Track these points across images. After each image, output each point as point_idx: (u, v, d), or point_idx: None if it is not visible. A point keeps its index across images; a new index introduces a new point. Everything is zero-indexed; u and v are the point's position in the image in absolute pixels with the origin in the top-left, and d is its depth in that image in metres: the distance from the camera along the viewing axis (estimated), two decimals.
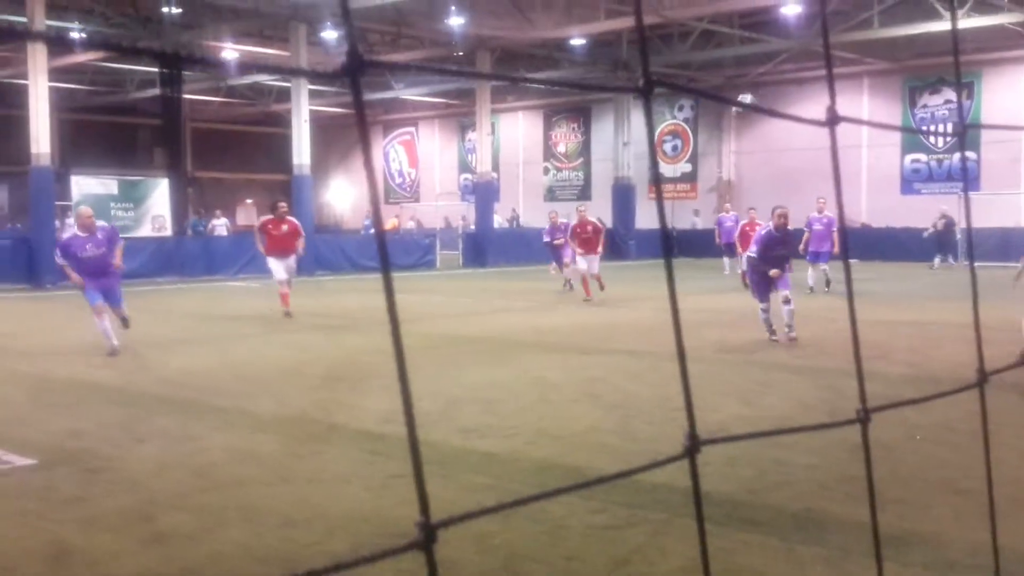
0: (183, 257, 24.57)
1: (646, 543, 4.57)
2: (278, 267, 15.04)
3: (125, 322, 11.53)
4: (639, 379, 9.06)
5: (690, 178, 38.92)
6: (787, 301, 11.43)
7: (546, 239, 21.12)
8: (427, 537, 0.87)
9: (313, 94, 30.15)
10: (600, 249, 18.10)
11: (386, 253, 0.91)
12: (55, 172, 24.22)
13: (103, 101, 37.37)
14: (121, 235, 13.20)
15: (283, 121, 31.04)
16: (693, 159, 39.03)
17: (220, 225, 32.16)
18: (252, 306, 16.82)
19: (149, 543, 4.73)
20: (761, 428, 6.87)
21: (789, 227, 11.70)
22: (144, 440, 6.79)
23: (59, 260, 11.37)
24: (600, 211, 38.07)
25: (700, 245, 30.58)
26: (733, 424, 7.02)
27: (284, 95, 30.76)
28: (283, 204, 15.77)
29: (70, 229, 27.09)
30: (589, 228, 18.34)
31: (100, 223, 11.95)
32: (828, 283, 18.30)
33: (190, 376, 9.44)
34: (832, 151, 1.40)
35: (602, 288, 17.71)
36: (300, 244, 15.34)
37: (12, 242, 23.49)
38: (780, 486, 5.53)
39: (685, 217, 36.46)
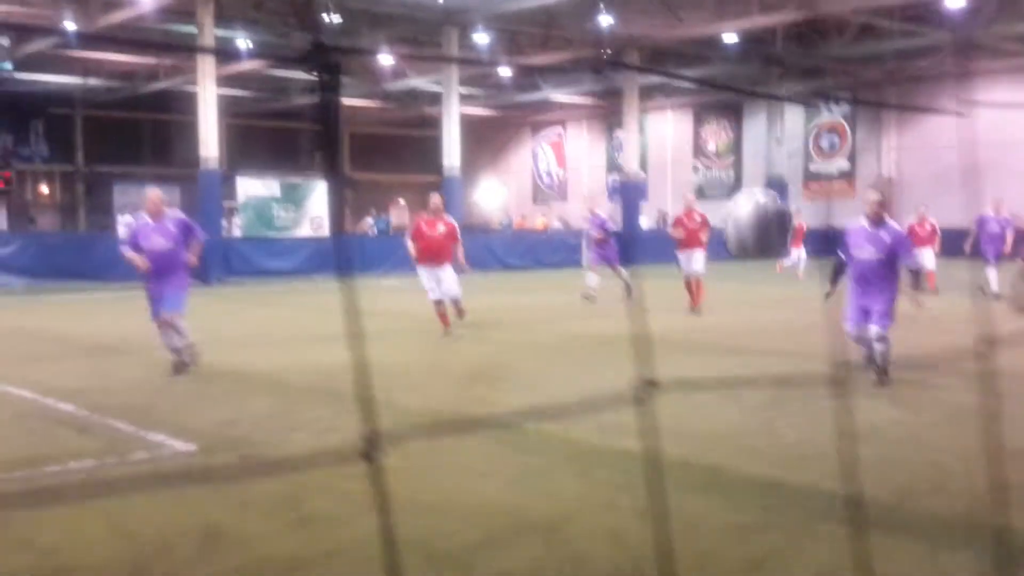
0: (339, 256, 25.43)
1: (784, 545, 4.50)
2: (430, 281, 12.39)
3: (178, 332, 9.50)
4: (786, 381, 8.86)
5: (848, 175, 37.70)
6: (881, 339, 8.39)
7: (597, 231, 17.44)
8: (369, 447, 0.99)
9: (464, 98, 30.73)
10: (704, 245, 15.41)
11: (347, 256, 0.96)
12: (222, 175, 25.42)
13: (267, 107, 38.97)
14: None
15: (435, 124, 31.65)
16: (851, 156, 37.80)
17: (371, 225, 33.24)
18: (399, 302, 17.26)
19: (296, 526, 4.95)
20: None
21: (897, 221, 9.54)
22: (296, 429, 7.09)
23: (125, 250, 9.61)
24: None
25: None
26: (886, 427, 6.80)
27: (437, 99, 31.37)
28: (437, 196, 13.10)
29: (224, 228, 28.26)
30: (698, 219, 15.54)
31: (175, 212, 10.16)
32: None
33: (341, 370, 9.77)
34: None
35: (694, 302, 15.07)
36: (459, 252, 12.68)
37: None
38: (934, 492, 5.34)
39: (844, 215, 35.36)
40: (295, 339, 12.51)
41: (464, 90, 31.18)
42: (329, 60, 0.99)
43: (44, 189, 40.70)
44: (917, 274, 18.33)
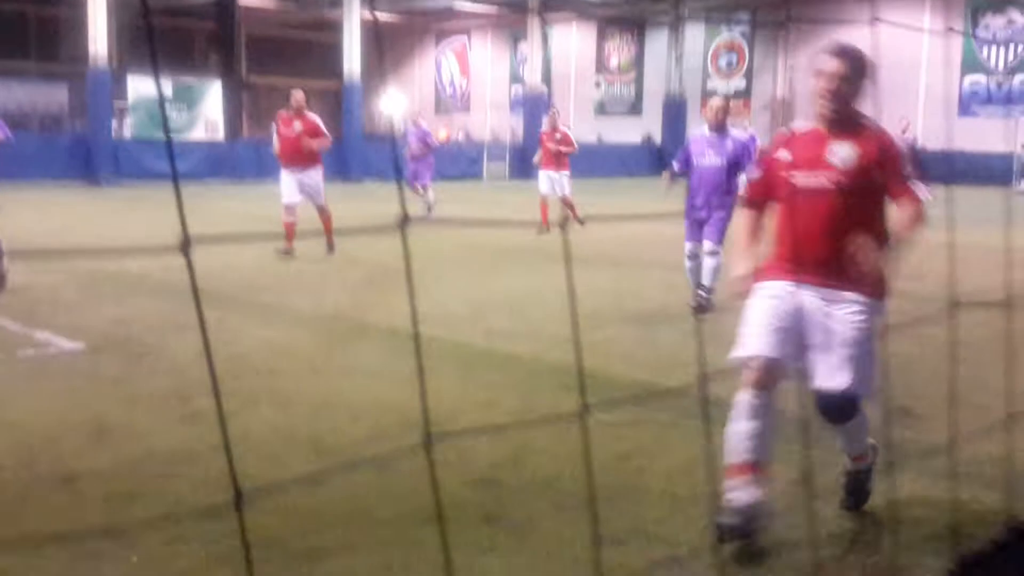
0: (235, 161, 24.98)
1: (650, 440, 4.80)
2: (288, 183, 11.47)
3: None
4: (673, 291, 9.19)
5: (743, 95, 38.29)
6: (712, 253, 8.33)
7: (416, 144, 17.09)
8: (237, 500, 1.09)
9: (367, 1, 30.01)
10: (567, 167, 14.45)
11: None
12: (112, 73, 24.54)
13: (160, 3, 37.46)
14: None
15: (336, 28, 30.93)
16: (748, 75, 38.37)
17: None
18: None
19: (184, 421, 5.05)
20: None
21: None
22: (184, 329, 7.13)
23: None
24: (651, 127, 37.90)
25: None
26: None
27: (338, 2, 30.64)
28: (299, 91, 11.79)
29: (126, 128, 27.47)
30: (558, 136, 14.42)
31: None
32: None
33: (233, 272, 9.76)
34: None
35: (579, 220, 12.62)
36: (323, 145, 11.60)
37: (71, 142, 24.01)
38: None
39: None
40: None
41: None
42: None
43: None
44: None
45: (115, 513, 3.90)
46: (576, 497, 4.05)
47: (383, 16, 40.15)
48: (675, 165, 8.67)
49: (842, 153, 3.69)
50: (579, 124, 40.33)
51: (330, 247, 11.59)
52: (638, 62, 41.15)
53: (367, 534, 3.71)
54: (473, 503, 4.00)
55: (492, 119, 42.07)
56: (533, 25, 30.98)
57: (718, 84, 38.32)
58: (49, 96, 37.77)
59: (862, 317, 3.63)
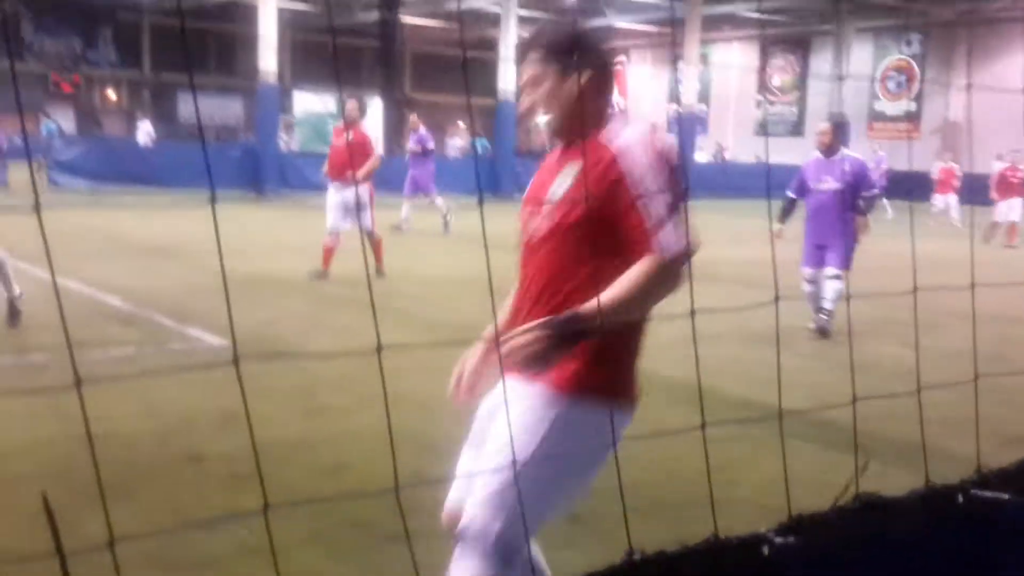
0: (389, 174, 25.89)
1: (746, 454, 4.86)
2: (333, 204, 10.49)
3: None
4: (796, 316, 9.11)
5: (914, 117, 36.99)
6: (835, 277, 8.35)
7: (416, 148, 16.39)
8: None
9: (525, 20, 30.64)
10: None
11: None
12: (281, 88, 25.86)
13: (327, 23, 39.21)
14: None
15: (495, 46, 31.67)
16: (918, 97, 37.07)
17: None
18: (458, 219, 17.53)
19: (308, 415, 5.43)
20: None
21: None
22: (322, 331, 7.57)
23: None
24: (814, 149, 37.03)
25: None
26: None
27: (499, 21, 31.34)
28: (352, 101, 10.69)
29: (283, 142, 28.85)
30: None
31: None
32: None
33: (377, 280, 10.22)
34: None
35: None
36: (363, 170, 10.48)
37: (241, 153, 25.40)
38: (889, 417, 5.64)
39: (901, 157, 34.87)
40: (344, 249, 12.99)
41: (525, 12, 31.07)
42: None
43: (111, 95, 41.59)
44: (996, 226, 18.31)
45: (233, 491, 4.27)
46: (661, 503, 4.17)
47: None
48: (790, 193, 8.67)
49: (560, 183, 2.46)
50: (738, 145, 39.91)
51: (379, 271, 10.60)
52: (801, 82, 40.38)
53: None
54: None
55: None
56: (690, 44, 30.86)
57: (886, 106, 37.20)
58: (225, 109, 40.14)
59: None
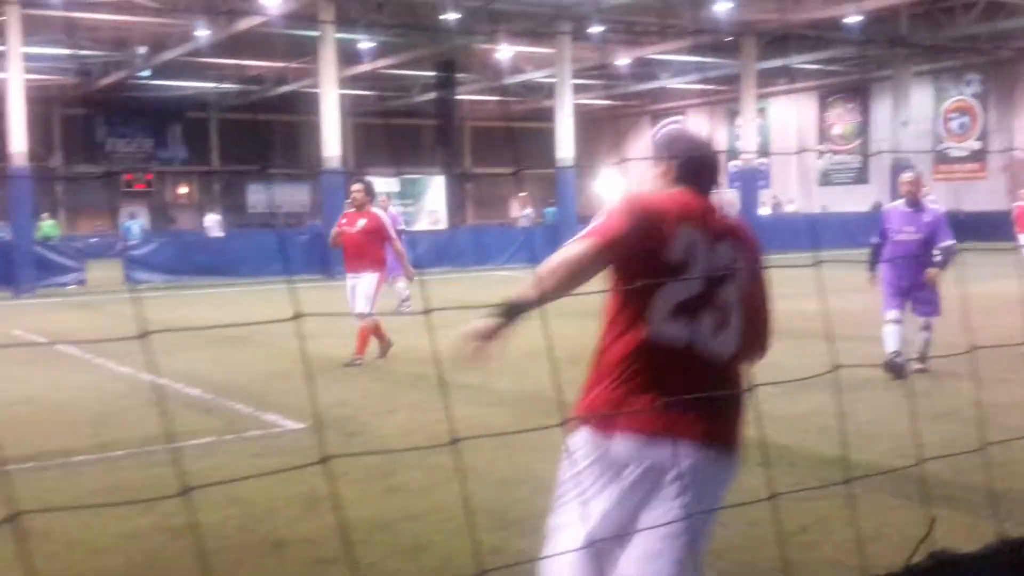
0: (456, 248, 26.21)
1: (831, 513, 4.75)
2: (352, 290, 10.19)
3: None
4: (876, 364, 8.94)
5: (979, 157, 36.42)
6: (927, 328, 8.52)
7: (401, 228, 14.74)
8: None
9: (580, 88, 31.07)
10: None
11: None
12: (346, 173, 26.45)
13: (390, 105, 40.14)
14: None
15: (551, 117, 32.07)
16: (982, 137, 36.53)
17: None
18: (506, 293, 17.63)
19: (386, 494, 5.45)
20: None
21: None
22: (396, 410, 7.63)
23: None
24: (879, 195, 36.58)
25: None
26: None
27: (553, 92, 31.83)
28: (358, 185, 10.34)
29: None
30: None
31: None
32: None
33: (441, 355, 10.27)
34: None
35: None
36: (406, 267, 10.89)
37: (310, 237, 25.92)
38: (985, 467, 5.46)
39: (974, 199, 34.23)
40: (403, 328, 13.11)
41: (580, 81, 31.49)
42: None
43: (182, 189, 42.91)
44: None
45: (315, 574, 4.29)
46: (747, 567, 4.09)
47: (596, 101, 41.20)
48: (874, 240, 8.69)
49: None
50: (803, 195, 39.61)
51: (354, 360, 10.05)
52: (863, 129, 40.09)
53: None
54: None
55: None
56: (747, 99, 30.89)
57: (951, 148, 36.70)
58: (293, 196, 41.13)
59: None
